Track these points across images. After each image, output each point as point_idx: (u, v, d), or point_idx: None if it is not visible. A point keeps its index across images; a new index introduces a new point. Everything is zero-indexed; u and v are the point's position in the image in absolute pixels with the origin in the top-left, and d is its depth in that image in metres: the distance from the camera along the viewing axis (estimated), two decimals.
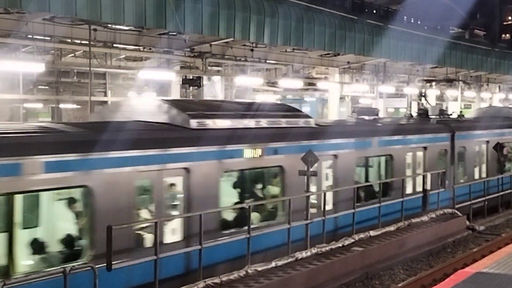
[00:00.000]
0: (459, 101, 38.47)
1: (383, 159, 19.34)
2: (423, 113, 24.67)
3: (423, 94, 26.22)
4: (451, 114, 26.18)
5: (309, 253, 14.80)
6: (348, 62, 28.38)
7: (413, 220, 18.87)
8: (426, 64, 31.93)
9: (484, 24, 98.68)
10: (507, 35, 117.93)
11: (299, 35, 23.07)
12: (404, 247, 17.41)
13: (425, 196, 20.42)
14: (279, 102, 26.20)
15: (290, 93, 37.01)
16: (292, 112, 16.92)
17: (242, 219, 13.83)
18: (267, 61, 25.99)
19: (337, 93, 29.97)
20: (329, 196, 16.40)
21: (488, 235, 20.71)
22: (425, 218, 19.46)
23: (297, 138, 15.48)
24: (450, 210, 20.81)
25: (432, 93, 36.64)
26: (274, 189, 15.23)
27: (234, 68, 25.25)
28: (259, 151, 14.25)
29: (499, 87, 43.32)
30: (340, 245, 15.84)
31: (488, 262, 10.73)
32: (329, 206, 16.12)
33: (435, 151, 21.40)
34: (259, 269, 13.35)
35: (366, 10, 45.58)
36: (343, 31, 25.00)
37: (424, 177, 20.31)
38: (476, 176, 24.17)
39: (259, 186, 15.07)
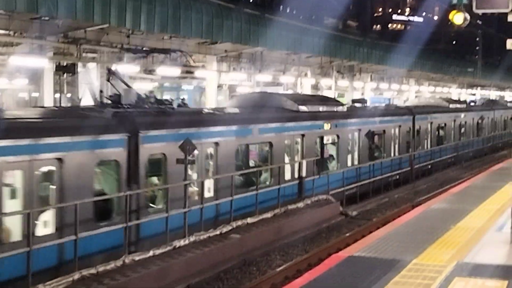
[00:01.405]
0: (333, 90, 39.48)
1: None
2: (114, 100, 15.68)
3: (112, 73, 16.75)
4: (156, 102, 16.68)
5: (187, 241, 14.82)
6: (226, 51, 28.46)
7: (290, 207, 19.25)
8: (301, 53, 32.52)
9: (356, 15, 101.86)
10: (378, 26, 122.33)
11: (176, 23, 22.93)
12: (281, 233, 17.75)
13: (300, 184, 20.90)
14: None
15: (167, 81, 36.75)
16: None
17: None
18: (144, 49, 25.64)
19: (215, 82, 30.02)
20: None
21: (360, 220, 21.44)
22: (301, 204, 19.90)
23: None
24: (324, 197, 21.38)
25: (308, 82, 37.42)
26: None
27: (110, 55, 24.73)
28: None
29: (371, 76, 44.77)
30: (218, 232, 15.96)
31: (360, 246, 11.14)
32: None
33: (72, 166, 12.63)
34: (137, 258, 13.23)
35: None
36: (220, 19, 25.07)
37: (300, 164, 20.75)
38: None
39: None
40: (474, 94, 67.68)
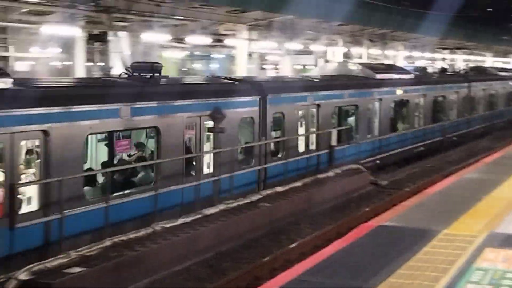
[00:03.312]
0: (365, 59, 39.13)
1: None
2: None
3: None
4: None
5: (217, 210, 14.90)
6: (256, 19, 28.31)
7: (319, 176, 19.21)
8: (332, 21, 32.21)
9: None
10: None
11: None
12: (310, 202, 17.76)
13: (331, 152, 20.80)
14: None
15: (198, 49, 36.73)
16: None
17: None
18: (175, 17, 25.65)
19: (245, 50, 29.92)
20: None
21: (390, 190, 21.36)
22: (331, 173, 19.86)
23: None
24: (354, 166, 21.31)
25: (339, 50, 37.12)
26: None
27: (141, 23, 24.75)
28: None
29: (403, 44, 44.27)
30: (248, 201, 16.01)
31: (390, 215, 11.06)
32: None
33: None
34: (167, 226, 13.34)
35: None
36: None
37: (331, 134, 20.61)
38: None
39: None
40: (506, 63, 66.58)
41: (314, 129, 20.29)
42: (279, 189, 17.25)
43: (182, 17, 25.79)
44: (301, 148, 19.55)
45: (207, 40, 28.20)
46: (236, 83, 17.98)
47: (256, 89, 17.87)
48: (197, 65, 41.47)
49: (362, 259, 8.42)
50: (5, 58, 25.54)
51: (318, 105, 20.27)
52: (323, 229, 16.01)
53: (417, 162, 26.54)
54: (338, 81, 22.72)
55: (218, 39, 30.65)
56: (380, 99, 24.43)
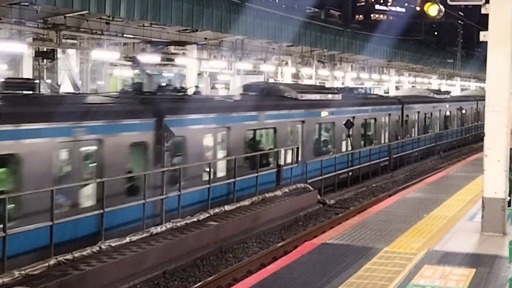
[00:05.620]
0: (314, 79, 39.60)
1: None
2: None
3: None
4: None
5: (164, 228, 14.91)
6: (206, 39, 28.47)
7: (267, 195, 19.37)
8: (282, 43, 32.58)
9: (339, 5, 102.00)
10: (361, 16, 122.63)
11: (156, 10, 22.93)
12: (258, 221, 17.89)
13: (278, 172, 21.01)
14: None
15: (148, 68, 36.65)
16: None
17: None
18: (125, 35, 25.63)
19: (195, 69, 30.02)
20: None
21: (337, 209, 21.64)
22: (278, 192, 20.03)
23: None
24: (302, 185, 21.53)
25: (288, 70, 37.52)
26: None
27: (90, 41, 24.67)
28: None
29: (351, 66, 44.95)
30: (195, 219, 16.06)
31: (333, 233, 11.30)
32: None
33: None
34: (113, 244, 13.31)
35: None
36: (200, 7, 25.07)
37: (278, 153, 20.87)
38: None
39: None
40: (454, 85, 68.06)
41: None
42: (227, 207, 17.34)
43: (132, 36, 25.80)
44: None
45: (157, 58, 28.23)
46: None
47: None
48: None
49: (304, 276, 8.59)
50: None
51: None
52: (270, 248, 16.14)
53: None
54: None
55: (168, 58, 30.69)
56: None
